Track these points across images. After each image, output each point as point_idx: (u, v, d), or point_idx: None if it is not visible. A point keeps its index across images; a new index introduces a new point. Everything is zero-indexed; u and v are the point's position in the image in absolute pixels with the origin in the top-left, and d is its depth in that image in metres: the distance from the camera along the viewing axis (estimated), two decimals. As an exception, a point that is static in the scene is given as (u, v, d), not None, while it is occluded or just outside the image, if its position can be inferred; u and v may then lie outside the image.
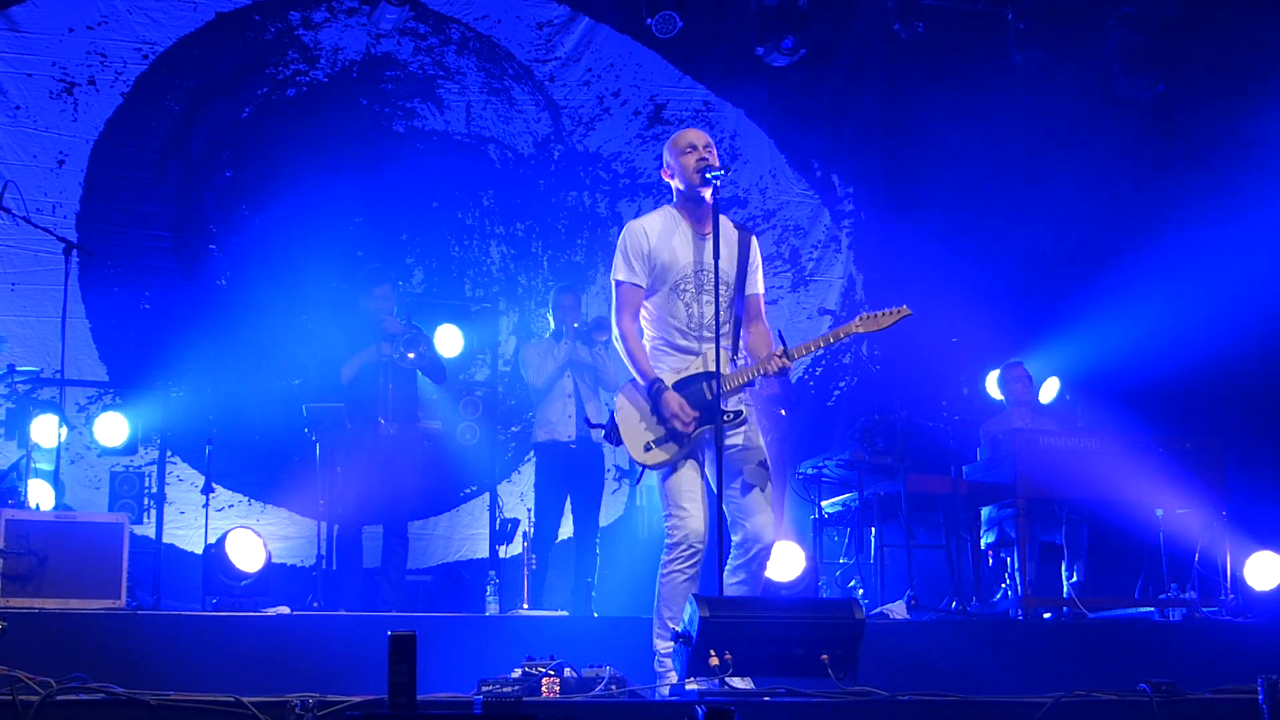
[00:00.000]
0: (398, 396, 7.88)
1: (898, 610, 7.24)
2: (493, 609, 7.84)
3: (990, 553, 8.26)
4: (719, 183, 5.20)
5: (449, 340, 8.75)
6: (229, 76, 9.24)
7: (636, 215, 5.53)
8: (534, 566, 7.89)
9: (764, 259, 5.54)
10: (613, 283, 5.36)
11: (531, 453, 8.71)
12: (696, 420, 5.14)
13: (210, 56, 9.14)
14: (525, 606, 7.73)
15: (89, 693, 4.39)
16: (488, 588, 7.97)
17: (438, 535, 9.30)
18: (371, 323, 7.93)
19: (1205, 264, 9.29)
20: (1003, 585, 8.12)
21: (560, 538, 8.20)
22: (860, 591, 7.97)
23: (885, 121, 10.34)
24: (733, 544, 5.20)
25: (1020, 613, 7.33)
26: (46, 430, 7.55)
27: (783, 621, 4.92)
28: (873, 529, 8.17)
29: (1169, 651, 6.63)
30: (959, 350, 9.37)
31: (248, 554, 7.25)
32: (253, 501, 8.93)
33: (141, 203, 9.00)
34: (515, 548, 8.36)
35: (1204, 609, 7.34)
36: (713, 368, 5.11)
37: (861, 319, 5.27)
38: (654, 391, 5.18)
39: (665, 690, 4.99)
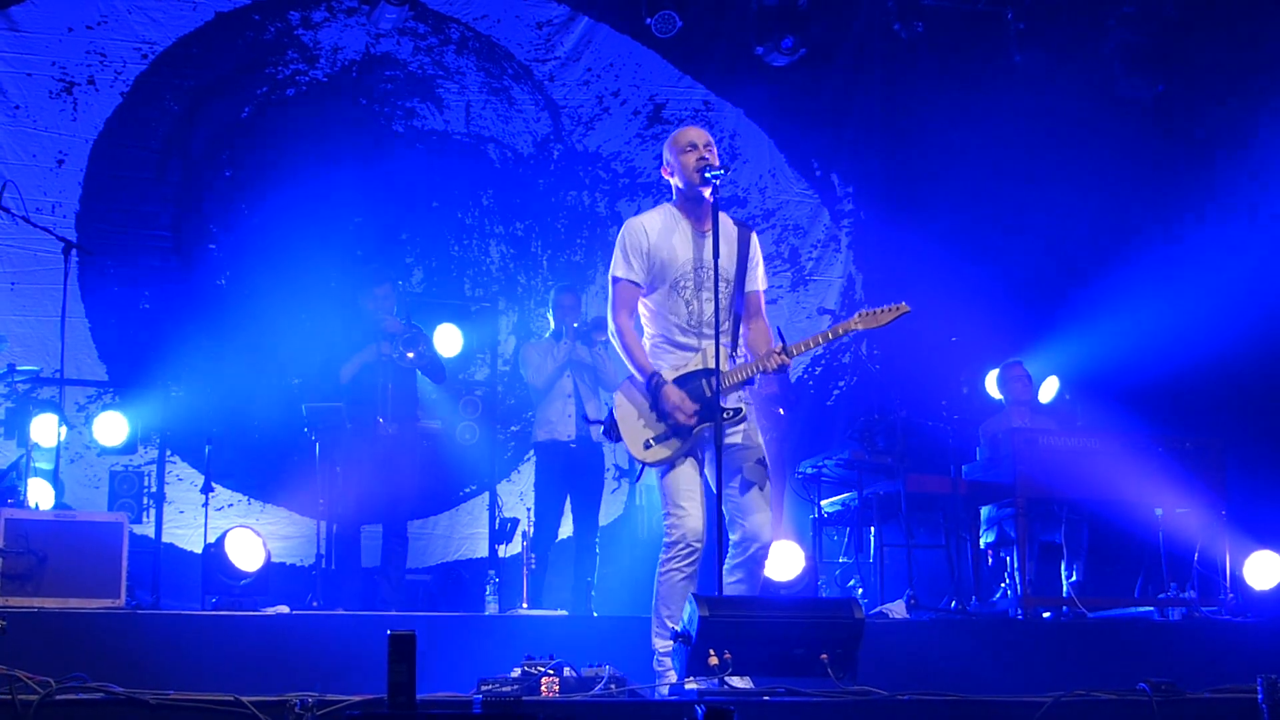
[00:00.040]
0: (397, 396, 7.88)
1: (897, 610, 7.24)
2: (492, 608, 7.84)
3: (990, 552, 8.26)
4: (718, 182, 5.21)
5: (448, 340, 8.75)
6: (229, 76, 9.24)
7: (636, 215, 5.52)
8: (533, 566, 7.89)
9: (763, 258, 5.54)
10: (610, 279, 5.36)
11: (531, 452, 8.71)
12: (696, 414, 5.15)
13: (210, 56, 9.14)
14: (525, 606, 7.73)
15: (88, 692, 4.39)
16: (487, 587, 7.98)
17: (437, 535, 9.30)
18: (371, 322, 7.94)
19: (1205, 263, 9.28)
20: (1002, 585, 8.12)
21: (560, 537, 8.20)
22: (860, 591, 7.98)
23: (885, 121, 10.35)
24: (730, 543, 5.20)
25: (1020, 612, 7.33)
26: (46, 429, 7.55)
27: (782, 621, 4.92)
28: (872, 529, 8.17)
29: (1169, 651, 6.63)
30: (959, 350, 9.37)
31: (247, 553, 7.25)
32: (252, 501, 8.93)
33: (141, 202, 9.01)
34: (515, 547, 8.36)
35: (1203, 608, 7.34)
36: (712, 364, 5.11)
37: (860, 316, 5.27)
38: (653, 385, 5.18)
39: (665, 690, 4.99)
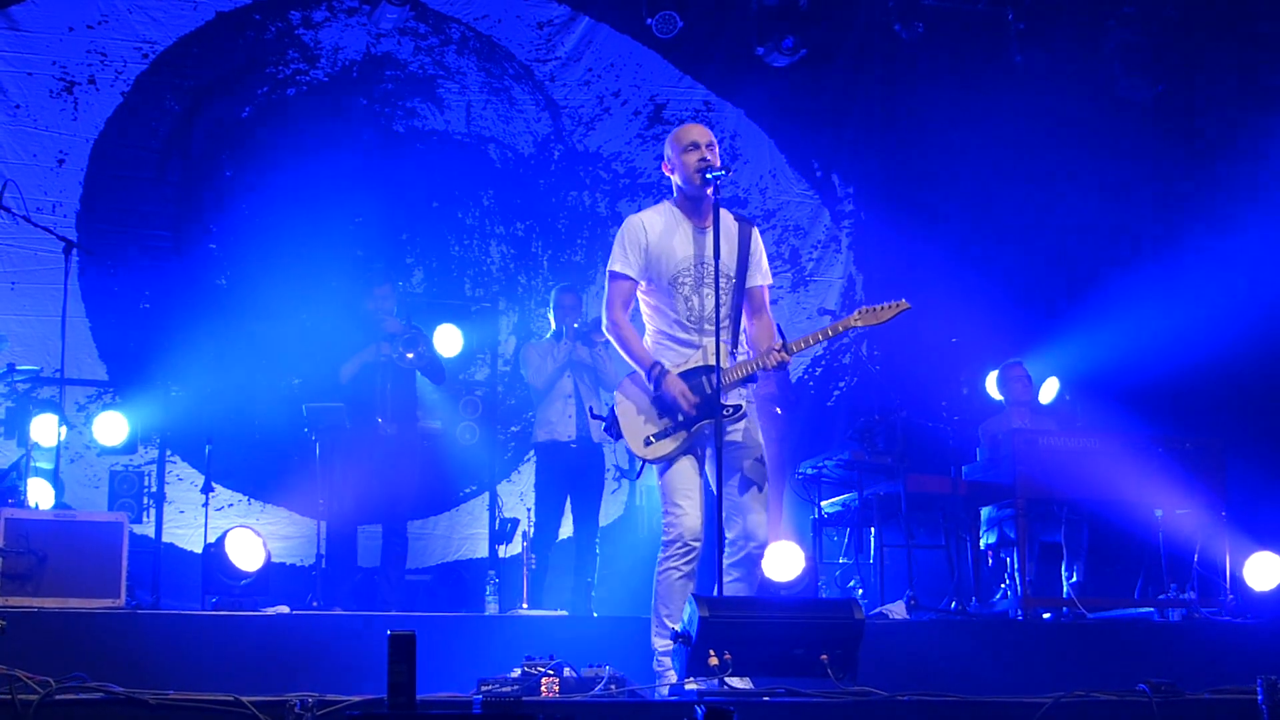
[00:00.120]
0: (396, 396, 7.89)
1: (897, 610, 7.24)
2: (492, 609, 7.84)
3: (990, 553, 8.25)
4: (719, 182, 5.21)
5: (448, 340, 8.75)
6: (229, 76, 9.24)
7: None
8: (534, 566, 7.90)
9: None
10: (607, 274, 5.37)
11: (531, 452, 8.71)
12: (697, 406, 5.14)
13: (211, 56, 9.14)
14: (525, 606, 7.73)
15: (88, 692, 4.39)
16: (487, 587, 7.97)
17: (437, 535, 9.30)
18: (371, 322, 7.94)
19: (1205, 264, 9.28)
20: (1002, 585, 8.11)
21: (560, 537, 8.20)
22: (860, 591, 7.97)
23: (886, 122, 10.34)
24: (726, 541, 5.20)
25: (1020, 613, 7.33)
26: (46, 429, 7.55)
27: (782, 621, 4.92)
28: (872, 529, 8.17)
29: (1168, 652, 6.63)
30: (959, 350, 9.37)
31: (247, 553, 7.24)
32: (252, 501, 8.93)
33: (141, 202, 9.01)
34: (515, 547, 8.37)
35: (1203, 609, 7.33)
36: (713, 361, 5.11)
37: (860, 313, 5.26)
38: (655, 375, 5.18)
39: (664, 690, 4.99)
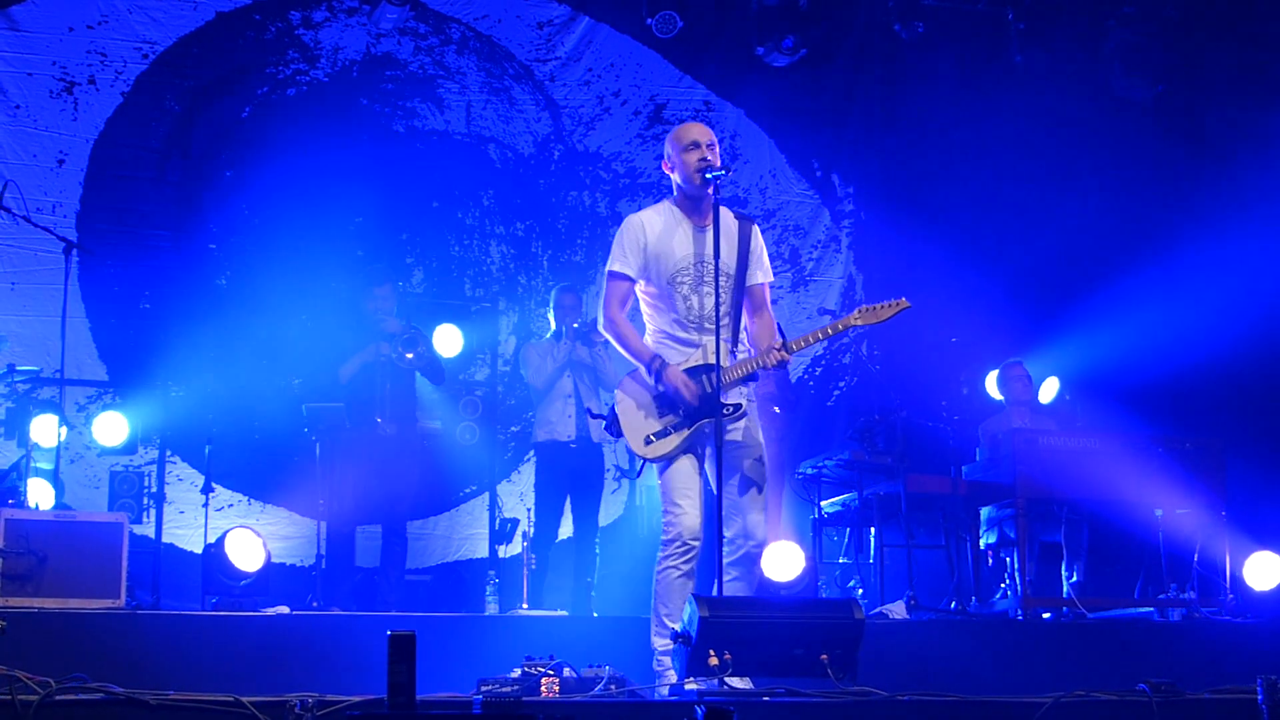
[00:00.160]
0: (396, 396, 7.89)
1: (897, 610, 7.24)
2: (492, 609, 7.84)
3: (990, 553, 8.25)
4: (719, 182, 5.21)
5: (448, 340, 8.74)
6: (229, 76, 9.24)
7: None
8: (533, 566, 7.90)
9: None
10: (605, 272, 5.37)
11: (531, 452, 8.71)
12: (698, 399, 5.14)
13: (210, 56, 9.14)
14: (525, 606, 7.73)
15: (88, 692, 4.39)
16: (487, 587, 7.97)
17: (437, 535, 9.30)
18: (371, 323, 7.94)
19: (1205, 263, 9.28)
20: (1002, 585, 8.11)
21: (560, 537, 8.20)
22: (860, 591, 7.97)
23: (886, 122, 10.34)
24: (724, 540, 5.20)
25: (1020, 613, 7.33)
26: (46, 430, 7.55)
27: (782, 621, 4.92)
28: (872, 529, 8.17)
29: (1168, 651, 6.63)
30: (959, 350, 9.37)
31: (247, 554, 7.24)
32: (252, 501, 8.93)
33: (141, 202, 9.01)
34: (515, 547, 8.37)
35: (1203, 609, 7.33)
36: (713, 360, 5.11)
37: (860, 311, 5.27)
38: (655, 368, 5.19)
39: (664, 690, 4.99)
